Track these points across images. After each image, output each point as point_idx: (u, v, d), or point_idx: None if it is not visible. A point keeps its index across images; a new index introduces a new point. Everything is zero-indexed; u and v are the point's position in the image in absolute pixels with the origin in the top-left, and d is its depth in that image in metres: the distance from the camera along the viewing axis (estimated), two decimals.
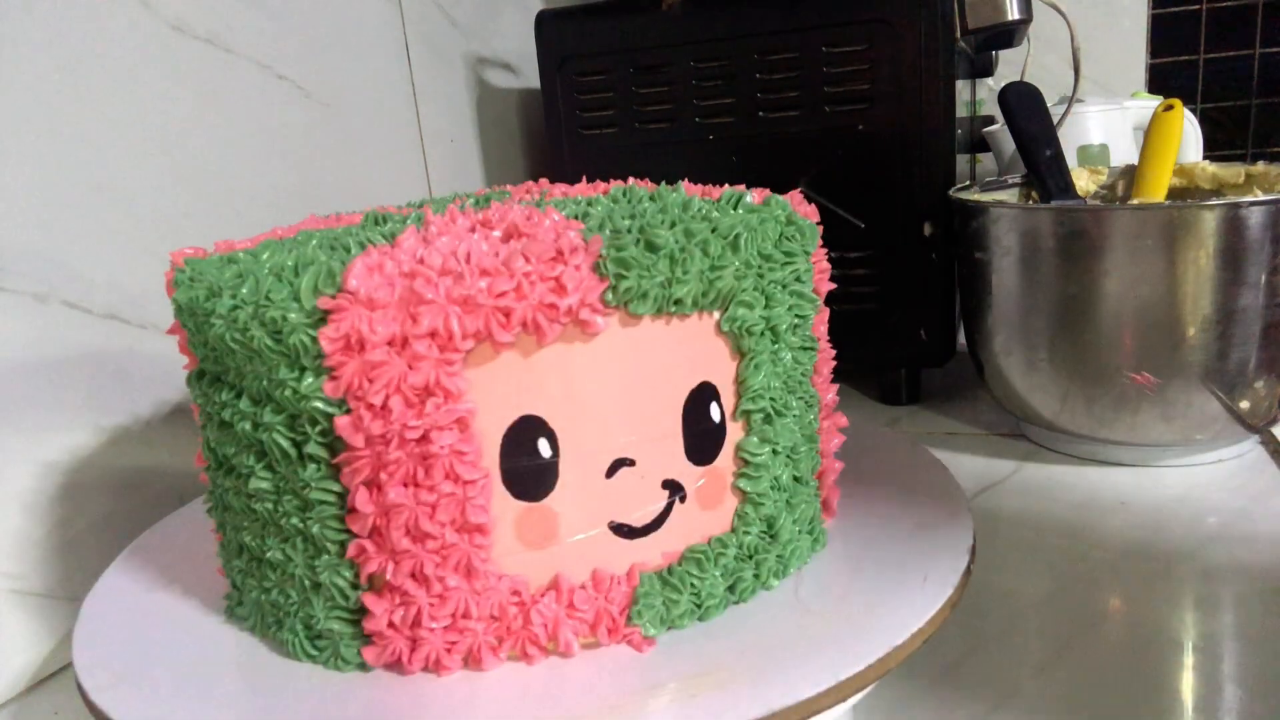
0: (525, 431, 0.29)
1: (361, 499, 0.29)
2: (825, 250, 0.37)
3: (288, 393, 0.28)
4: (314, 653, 0.31)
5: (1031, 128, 0.62)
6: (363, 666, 0.31)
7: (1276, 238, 0.48)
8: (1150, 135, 0.63)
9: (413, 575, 0.29)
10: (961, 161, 0.75)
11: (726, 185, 0.40)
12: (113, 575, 0.39)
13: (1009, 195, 0.66)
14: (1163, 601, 0.41)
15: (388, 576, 0.29)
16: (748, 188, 0.39)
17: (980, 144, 0.90)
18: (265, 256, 0.33)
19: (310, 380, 0.28)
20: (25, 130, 0.43)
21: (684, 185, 0.41)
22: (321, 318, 0.27)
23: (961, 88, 0.70)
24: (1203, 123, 0.95)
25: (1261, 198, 0.49)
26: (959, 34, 0.62)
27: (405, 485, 0.28)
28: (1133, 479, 0.53)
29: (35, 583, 0.43)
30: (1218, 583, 0.42)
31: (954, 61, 0.62)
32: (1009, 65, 0.94)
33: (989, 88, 1.00)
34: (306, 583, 0.30)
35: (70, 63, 0.45)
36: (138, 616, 0.35)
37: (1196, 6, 1.16)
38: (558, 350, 0.29)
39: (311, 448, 0.29)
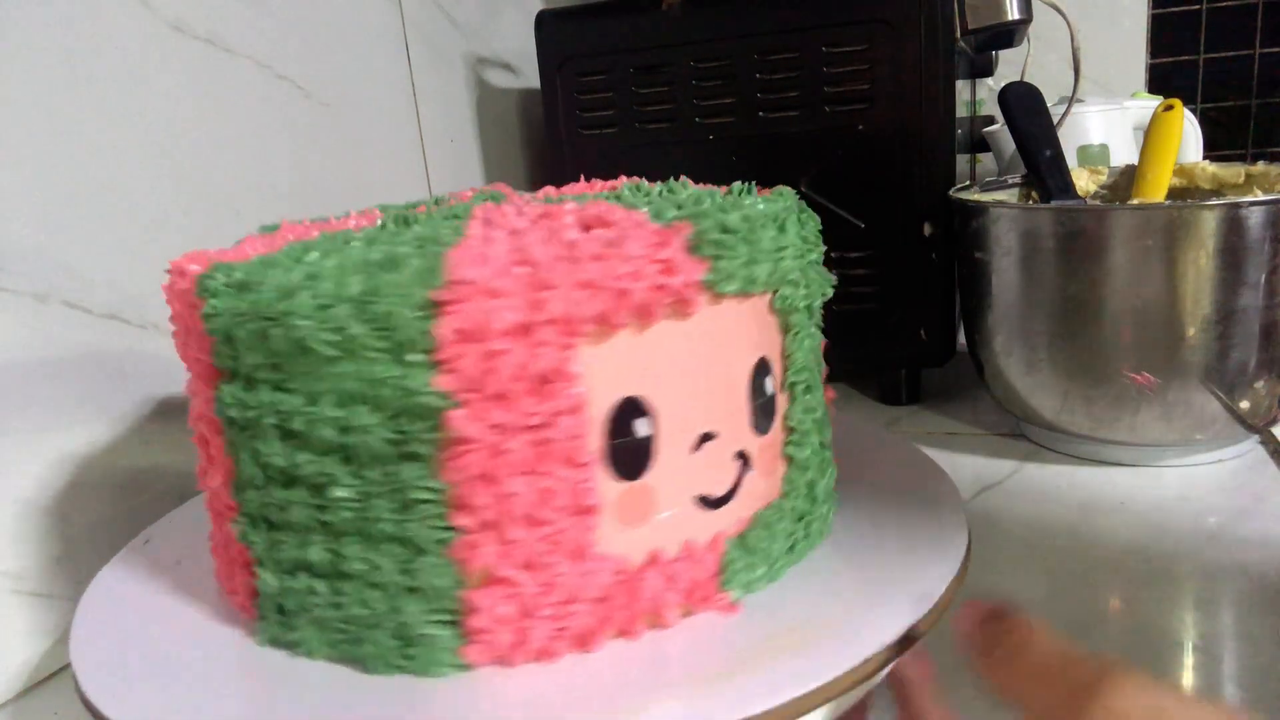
0: (627, 411, 0.30)
1: (473, 492, 0.28)
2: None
3: (389, 391, 0.28)
4: (405, 661, 0.30)
5: (1031, 128, 0.62)
6: (462, 668, 0.30)
7: (1276, 238, 0.48)
8: (1150, 135, 0.63)
9: (525, 565, 0.29)
10: (961, 161, 0.75)
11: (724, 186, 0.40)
12: (109, 574, 0.39)
13: (1009, 195, 0.66)
14: (1163, 601, 0.41)
15: (496, 570, 0.29)
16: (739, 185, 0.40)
17: (980, 144, 0.90)
18: (316, 257, 0.32)
19: (421, 375, 0.28)
20: (25, 130, 0.43)
21: (688, 183, 0.41)
22: (435, 310, 0.27)
23: (961, 88, 0.70)
24: (1203, 123, 0.95)
25: (1261, 198, 0.49)
26: (959, 34, 0.62)
27: (522, 474, 0.28)
28: (1133, 479, 0.53)
29: (35, 583, 0.43)
30: (1218, 583, 0.42)
31: (954, 61, 0.62)
32: (1009, 65, 0.94)
33: (989, 88, 1.01)
34: (399, 588, 0.30)
35: (70, 62, 0.45)
36: (135, 615, 0.35)
37: (1196, 6, 1.16)
38: (658, 331, 0.30)
39: (415, 446, 0.28)
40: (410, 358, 0.28)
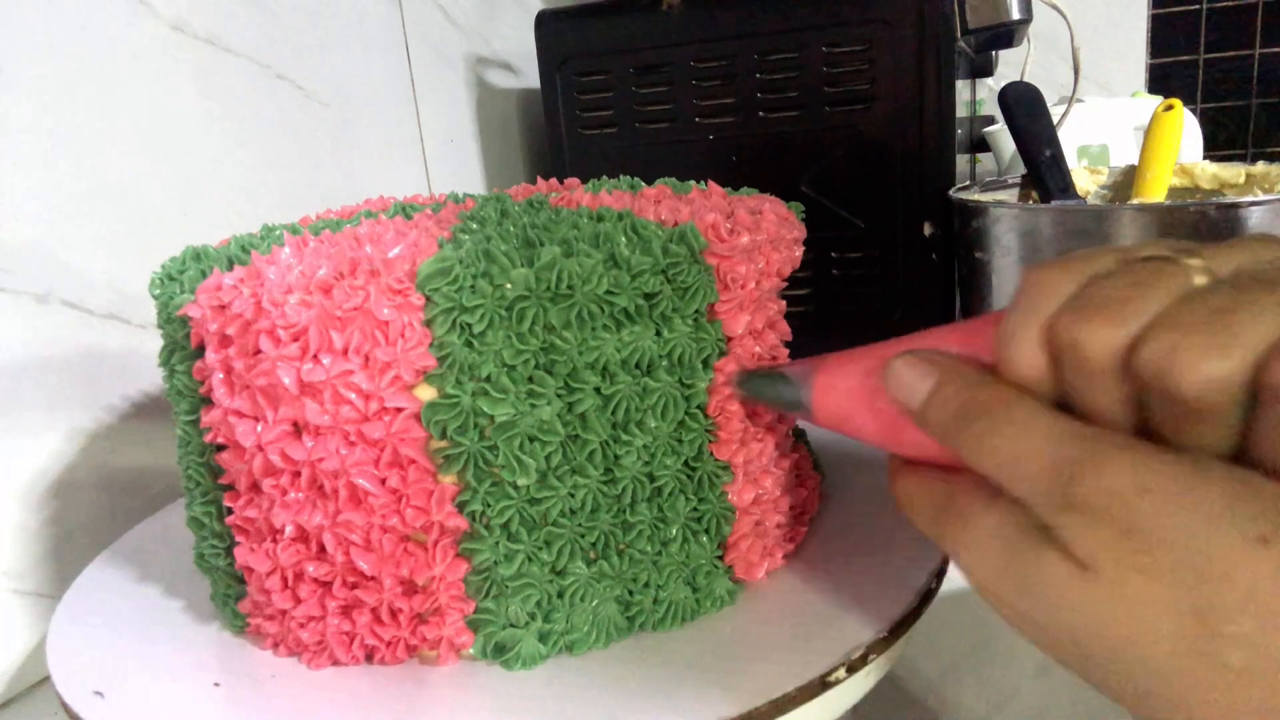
0: None
1: (735, 429, 0.32)
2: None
3: (682, 349, 0.31)
4: (696, 605, 0.32)
5: (1031, 128, 0.62)
6: (731, 596, 0.33)
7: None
8: (1150, 135, 0.63)
9: (768, 503, 0.34)
10: (961, 161, 0.75)
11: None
12: (89, 575, 0.39)
13: (1009, 195, 0.66)
14: None
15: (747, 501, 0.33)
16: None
17: (980, 144, 0.90)
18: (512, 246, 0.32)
19: (706, 324, 0.31)
20: (25, 130, 0.43)
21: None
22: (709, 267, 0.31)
23: (961, 88, 0.70)
24: (1203, 123, 0.95)
25: (1261, 198, 0.49)
26: (959, 34, 0.62)
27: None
28: None
29: (35, 583, 0.43)
30: None
31: (954, 61, 0.62)
32: (1009, 65, 0.94)
33: (989, 88, 1.01)
34: (686, 536, 0.32)
35: (70, 63, 0.45)
36: (115, 617, 0.35)
37: (1196, 6, 1.16)
38: None
39: (698, 394, 0.31)
40: (698, 307, 0.31)
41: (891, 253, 0.65)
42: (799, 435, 0.39)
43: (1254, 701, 0.18)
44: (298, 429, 0.29)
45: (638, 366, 0.30)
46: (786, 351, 0.36)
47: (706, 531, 0.32)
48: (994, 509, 0.22)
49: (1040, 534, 0.21)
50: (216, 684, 0.30)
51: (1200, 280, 0.20)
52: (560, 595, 0.30)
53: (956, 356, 0.24)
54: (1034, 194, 0.65)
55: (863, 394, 0.27)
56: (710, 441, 0.32)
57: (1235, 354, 0.18)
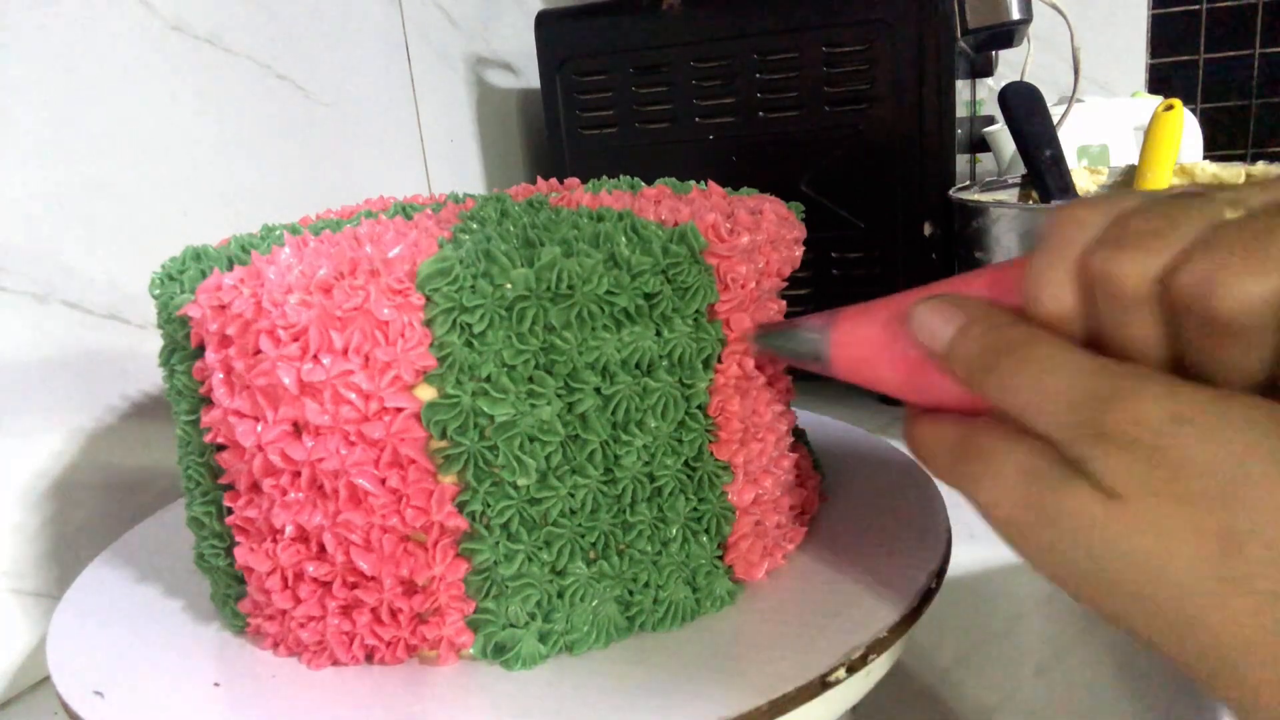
0: None
1: (735, 429, 0.32)
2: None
3: (682, 349, 0.30)
4: (696, 605, 0.32)
5: (1031, 128, 0.62)
6: (731, 596, 0.33)
7: None
8: (1150, 135, 0.63)
9: (768, 503, 0.34)
10: (961, 161, 0.75)
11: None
12: (90, 575, 0.39)
13: (1009, 195, 0.66)
14: None
15: (748, 501, 0.33)
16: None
17: (980, 144, 0.90)
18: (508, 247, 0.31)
19: (706, 324, 0.31)
20: (25, 130, 0.43)
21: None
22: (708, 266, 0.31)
23: (961, 88, 0.70)
24: (1203, 123, 0.95)
25: None
26: (959, 34, 0.62)
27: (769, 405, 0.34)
28: None
29: (35, 582, 0.43)
30: None
31: (954, 61, 0.62)
32: (1009, 65, 0.94)
33: (989, 88, 1.00)
34: (686, 536, 0.32)
35: (70, 62, 0.45)
36: (115, 617, 0.35)
37: (1196, 6, 1.16)
38: None
39: (698, 394, 0.31)
40: (698, 307, 0.31)
41: (891, 253, 0.65)
42: (799, 435, 0.39)
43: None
44: (298, 429, 0.29)
45: (638, 366, 0.30)
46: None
47: (706, 531, 0.32)
48: (1018, 444, 0.22)
49: (1066, 467, 0.21)
50: (216, 684, 0.30)
51: (1230, 213, 0.20)
52: (560, 595, 0.30)
53: (981, 300, 0.24)
54: (1034, 194, 0.65)
55: (884, 342, 0.27)
56: (710, 441, 0.32)
57: (1274, 275, 0.18)
